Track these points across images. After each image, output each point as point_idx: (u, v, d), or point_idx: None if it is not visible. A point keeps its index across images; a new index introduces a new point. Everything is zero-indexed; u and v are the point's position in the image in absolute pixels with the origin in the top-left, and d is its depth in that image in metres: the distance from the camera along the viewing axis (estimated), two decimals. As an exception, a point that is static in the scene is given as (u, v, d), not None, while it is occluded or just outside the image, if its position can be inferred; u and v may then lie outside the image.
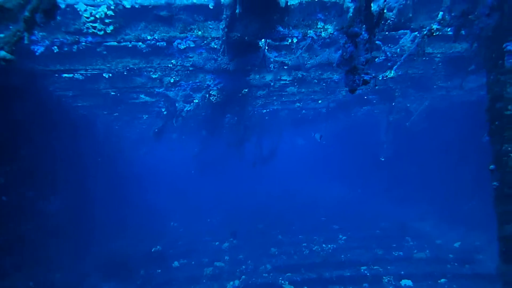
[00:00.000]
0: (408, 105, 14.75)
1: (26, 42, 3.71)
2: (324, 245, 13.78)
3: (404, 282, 10.33)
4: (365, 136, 23.45)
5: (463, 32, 6.39)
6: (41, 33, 7.22)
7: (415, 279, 10.40)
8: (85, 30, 7.15)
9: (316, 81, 11.96)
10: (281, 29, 7.13)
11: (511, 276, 4.60)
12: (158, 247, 14.25)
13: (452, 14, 5.75)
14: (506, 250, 4.71)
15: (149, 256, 13.33)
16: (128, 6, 7.03)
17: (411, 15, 6.43)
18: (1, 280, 7.14)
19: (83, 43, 7.56)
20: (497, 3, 4.74)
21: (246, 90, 11.78)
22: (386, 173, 20.71)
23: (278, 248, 13.72)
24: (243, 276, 11.41)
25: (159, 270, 12.45)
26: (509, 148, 4.45)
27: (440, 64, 10.80)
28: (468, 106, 13.93)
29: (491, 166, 4.92)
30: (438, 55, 9.58)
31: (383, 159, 16.19)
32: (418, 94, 14.14)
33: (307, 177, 36.62)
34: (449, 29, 7.10)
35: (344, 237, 14.78)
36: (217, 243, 15.42)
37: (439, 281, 10.34)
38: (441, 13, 5.72)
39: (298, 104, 16.52)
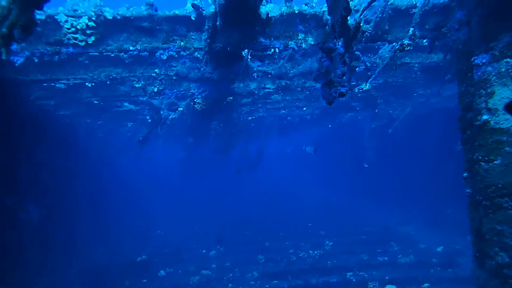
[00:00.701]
0: (391, 111, 15.03)
1: (4, 58, 3.70)
2: (311, 251, 13.85)
3: (389, 287, 10.46)
4: (349, 141, 23.75)
5: (437, 43, 6.62)
6: (21, 44, 7.16)
7: (399, 284, 10.56)
8: (66, 41, 7.13)
9: (300, 89, 12.12)
10: (262, 40, 7.25)
11: (484, 280, 4.76)
12: (143, 256, 14.10)
13: (426, 26, 5.96)
14: (480, 255, 4.88)
15: (134, 266, 13.18)
16: (109, 17, 7.06)
17: (387, 27, 6.63)
18: None
19: (64, 54, 7.53)
20: (466, 18, 4.94)
21: (231, 98, 11.86)
22: (370, 178, 20.99)
23: (265, 255, 13.74)
24: (230, 284, 11.40)
25: (145, 280, 12.31)
26: (480, 157, 4.63)
27: (418, 73, 11.10)
28: (448, 112, 14.28)
29: (465, 174, 5.09)
30: (416, 65, 9.87)
31: (366, 166, 16.41)
32: (400, 101, 14.45)
33: (293, 182, 36.81)
34: (425, 40, 7.34)
35: (330, 243, 14.88)
36: (204, 250, 15.35)
37: (422, 285, 10.53)
38: (411, 29, 5.92)
39: (283, 111, 16.67)
